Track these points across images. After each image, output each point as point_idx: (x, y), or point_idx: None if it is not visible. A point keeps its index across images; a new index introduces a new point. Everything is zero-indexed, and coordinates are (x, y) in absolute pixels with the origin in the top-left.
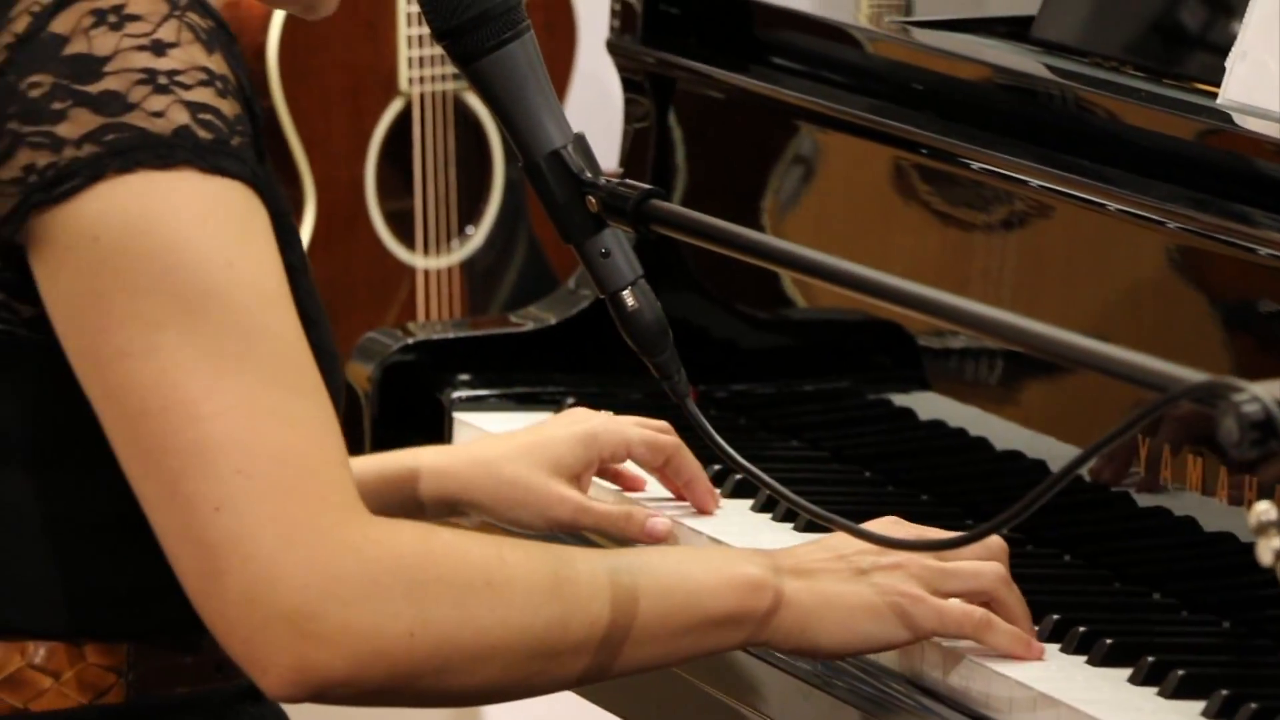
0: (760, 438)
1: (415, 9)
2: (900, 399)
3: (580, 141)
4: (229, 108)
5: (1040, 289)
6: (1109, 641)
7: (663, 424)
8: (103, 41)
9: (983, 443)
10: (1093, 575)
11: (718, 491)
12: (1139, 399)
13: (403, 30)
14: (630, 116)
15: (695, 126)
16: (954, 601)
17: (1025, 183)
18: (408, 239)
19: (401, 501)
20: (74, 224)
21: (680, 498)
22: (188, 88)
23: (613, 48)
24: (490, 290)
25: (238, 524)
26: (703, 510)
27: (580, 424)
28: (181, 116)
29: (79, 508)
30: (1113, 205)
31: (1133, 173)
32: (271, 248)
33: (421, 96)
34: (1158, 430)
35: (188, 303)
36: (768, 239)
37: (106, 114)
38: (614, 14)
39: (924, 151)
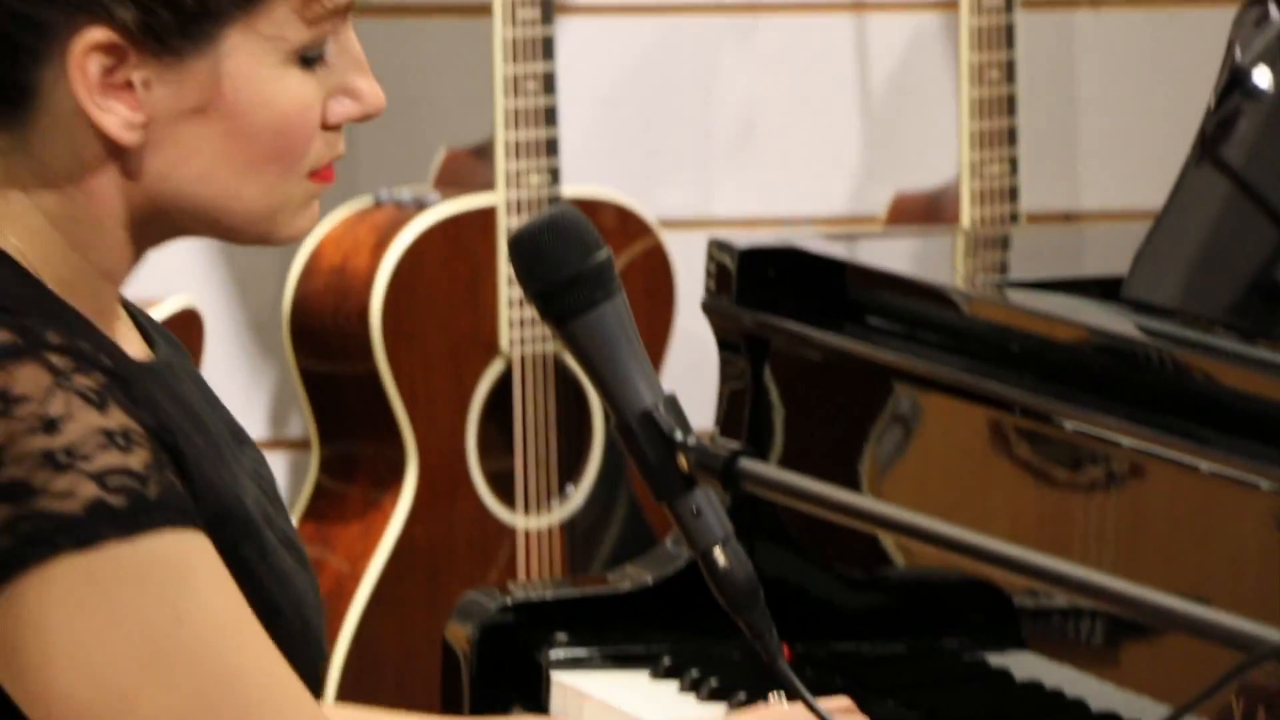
0: (856, 698)
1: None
2: (996, 659)
3: (671, 401)
4: (137, 460)
5: (1136, 549)
6: None
7: (844, 701)
8: None
9: (1080, 705)
10: None
11: None
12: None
13: (503, 292)
14: (726, 376)
15: (791, 386)
16: None
17: (1120, 443)
18: (508, 499)
19: None
20: (11, 617)
21: None
22: (88, 458)
23: (708, 308)
24: (590, 549)
25: None
26: None
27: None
28: (89, 490)
29: None
30: (1207, 466)
31: (1228, 434)
32: (216, 578)
33: (522, 358)
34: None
35: (150, 671)
36: (859, 499)
37: (15, 504)
38: (709, 275)
39: (1020, 412)
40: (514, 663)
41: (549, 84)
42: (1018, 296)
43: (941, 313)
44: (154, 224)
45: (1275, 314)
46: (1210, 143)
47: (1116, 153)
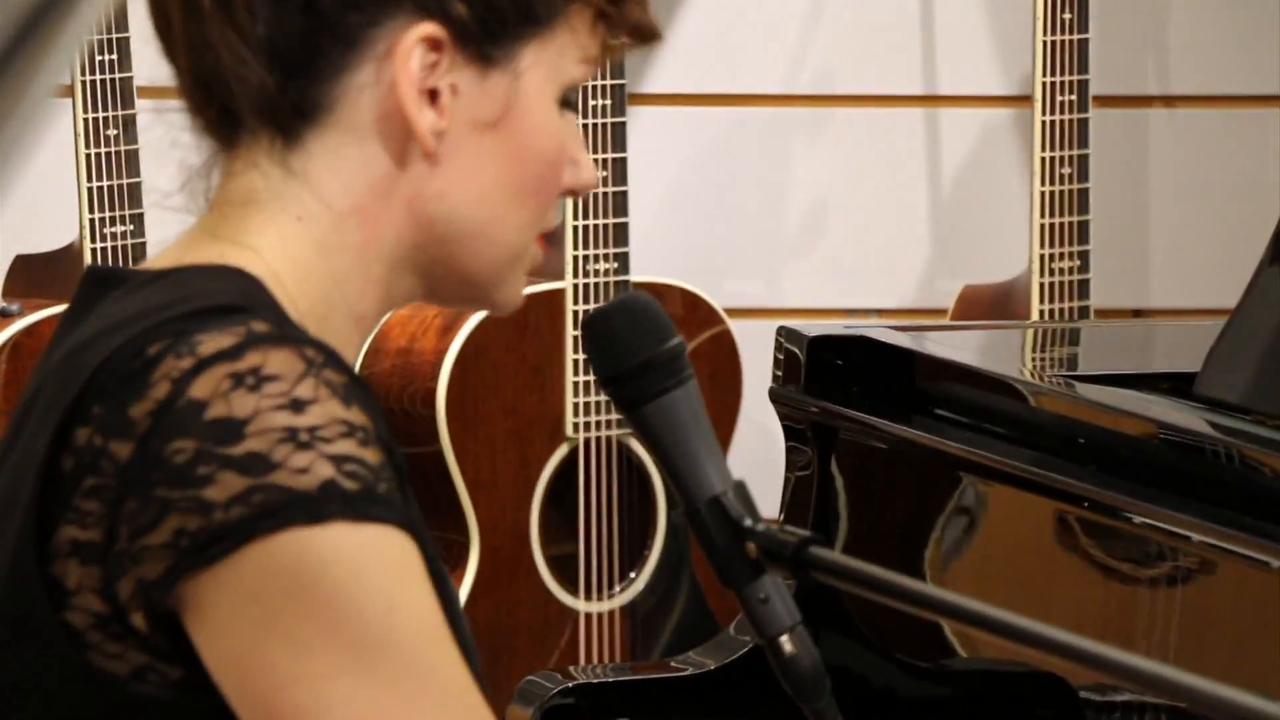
0: None
1: (582, 356)
2: None
3: (740, 488)
4: (372, 455)
5: (1204, 645)
6: None
7: None
8: (242, 403)
9: None
10: None
11: None
12: None
13: (569, 377)
14: (792, 464)
15: (857, 475)
16: None
17: (1188, 538)
18: (571, 583)
19: None
20: (230, 586)
21: None
22: (329, 441)
23: (775, 396)
24: (652, 635)
25: None
26: None
27: None
28: (326, 470)
29: None
30: (1276, 563)
31: None
32: (428, 588)
33: (587, 442)
34: None
35: (354, 654)
36: (927, 588)
37: (252, 475)
38: (777, 363)
39: (1086, 505)
40: None
41: (620, 171)
42: (1086, 390)
43: (1009, 405)
44: (412, 263)
45: None
46: None
47: (1187, 251)
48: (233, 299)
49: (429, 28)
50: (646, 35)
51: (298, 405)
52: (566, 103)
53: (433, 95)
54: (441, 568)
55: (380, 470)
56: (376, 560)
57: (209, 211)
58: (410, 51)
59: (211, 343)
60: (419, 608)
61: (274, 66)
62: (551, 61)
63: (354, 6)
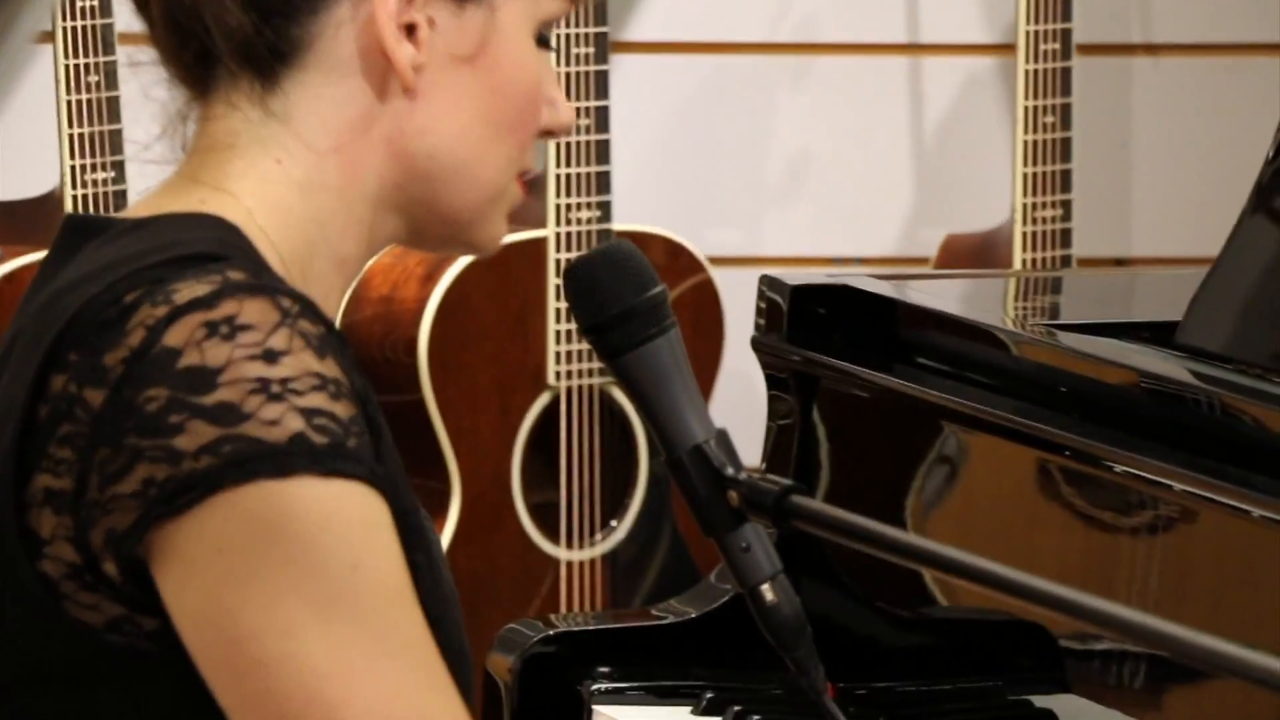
0: None
1: (564, 305)
2: (1042, 700)
3: (722, 437)
4: (343, 410)
5: (1184, 593)
6: None
7: None
8: (216, 353)
9: None
10: None
11: None
12: None
13: (551, 325)
14: (774, 413)
15: (839, 424)
16: None
17: (1170, 487)
18: (552, 532)
19: None
20: (196, 536)
21: None
22: (301, 394)
23: (757, 345)
24: (633, 583)
25: None
26: None
27: None
28: (296, 423)
29: None
30: (1257, 512)
31: (1278, 479)
32: (394, 545)
33: (569, 390)
34: None
35: (318, 609)
36: (909, 537)
37: (222, 425)
38: (759, 312)
39: (1068, 454)
40: (555, 694)
41: (602, 120)
42: (1068, 339)
43: (991, 353)
44: (394, 203)
45: None
46: (1266, 192)
47: (1170, 199)
48: (210, 247)
49: None
50: None
51: (271, 356)
52: (543, 40)
53: (410, 29)
54: (423, 518)
55: (351, 425)
56: (342, 516)
57: (188, 158)
58: None
59: (187, 290)
60: (383, 566)
61: (250, 6)
62: None
63: None
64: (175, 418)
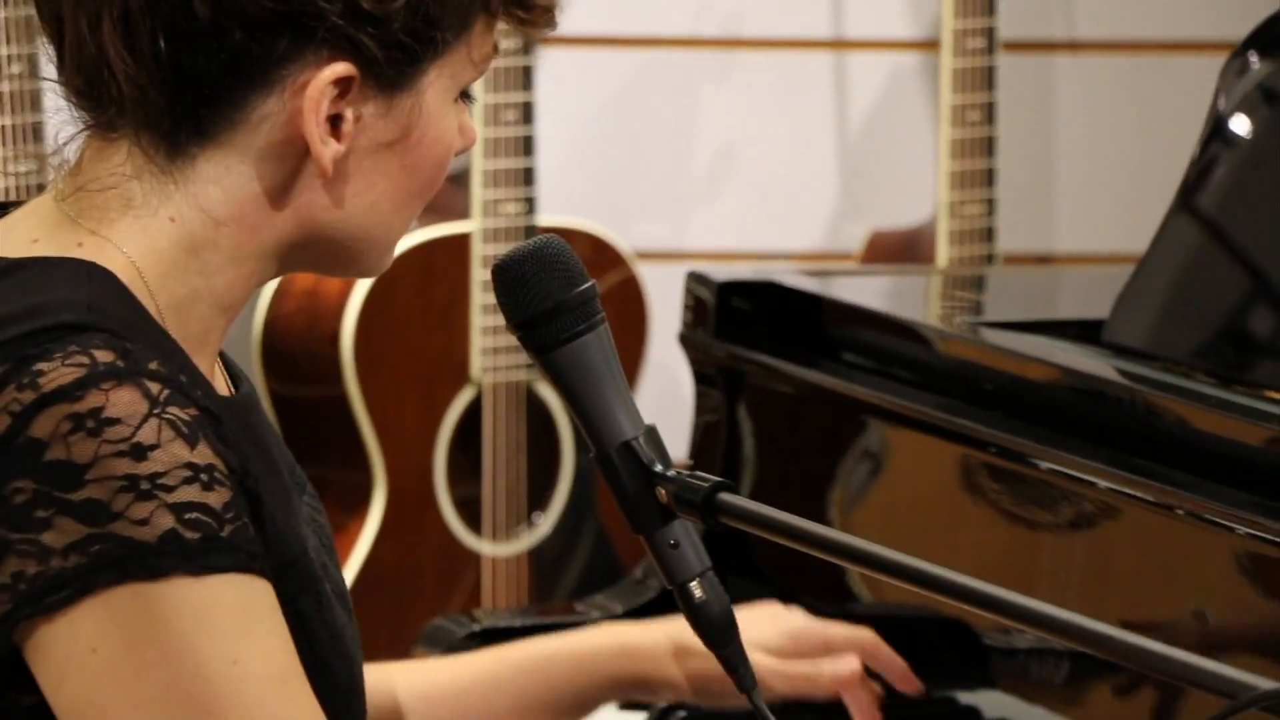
0: None
1: (489, 299)
2: (966, 697)
3: (651, 433)
4: (216, 498)
5: (1107, 590)
6: None
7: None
8: (82, 449)
9: None
10: None
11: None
12: (1207, 704)
13: (476, 320)
14: (701, 409)
15: (765, 420)
16: None
17: (1093, 484)
18: (475, 526)
19: (560, 685)
20: (69, 636)
21: None
22: (171, 489)
23: (685, 340)
24: (556, 578)
25: None
26: (915, 690)
27: (783, 620)
28: (166, 520)
29: None
30: (1180, 508)
31: (1201, 477)
32: (276, 626)
33: (493, 385)
34: None
35: (199, 707)
36: (835, 534)
37: (90, 524)
38: (686, 308)
39: (992, 450)
40: None
41: (527, 114)
42: (993, 336)
43: (916, 350)
44: (289, 257)
45: (1247, 358)
46: (1190, 190)
47: (1093, 196)
48: (77, 315)
49: (342, 68)
50: (544, 25)
51: (139, 452)
52: (464, 94)
53: (334, 120)
54: (309, 572)
55: (224, 513)
56: (218, 613)
57: (69, 184)
58: (322, 90)
59: (53, 376)
60: (265, 654)
61: (170, 87)
62: (451, 72)
63: (269, 44)
64: (42, 512)
